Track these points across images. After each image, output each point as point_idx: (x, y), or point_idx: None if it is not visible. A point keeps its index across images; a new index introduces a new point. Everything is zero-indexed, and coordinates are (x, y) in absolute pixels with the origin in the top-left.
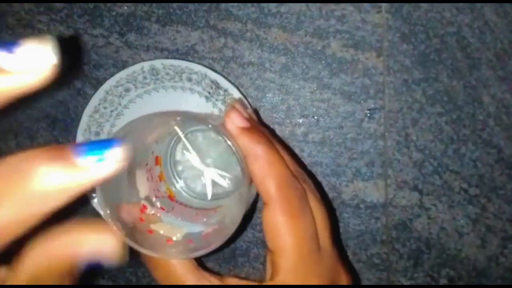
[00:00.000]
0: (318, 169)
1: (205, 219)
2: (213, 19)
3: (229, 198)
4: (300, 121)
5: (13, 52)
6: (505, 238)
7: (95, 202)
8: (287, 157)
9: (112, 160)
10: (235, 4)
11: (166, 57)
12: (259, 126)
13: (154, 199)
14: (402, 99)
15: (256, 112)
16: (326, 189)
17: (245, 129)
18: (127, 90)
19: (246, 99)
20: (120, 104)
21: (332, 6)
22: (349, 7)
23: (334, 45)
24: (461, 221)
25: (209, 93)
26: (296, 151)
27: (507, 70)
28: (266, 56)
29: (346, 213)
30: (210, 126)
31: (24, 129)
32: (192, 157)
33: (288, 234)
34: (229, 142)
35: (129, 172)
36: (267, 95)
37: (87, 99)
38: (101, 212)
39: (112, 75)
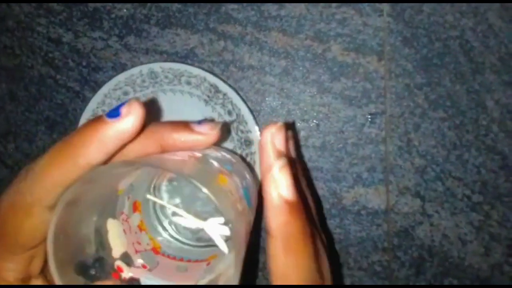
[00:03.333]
0: (318, 174)
1: (196, 277)
2: (213, 22)
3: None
4: (300, 125)
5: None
6: (510, 246)
7: None
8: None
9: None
10: (235, 7)
11: (165, 60)
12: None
13: (134, 255)
14: (404, 103)
15: (292, 126)
16: (326, 194)
17: (289, 204)
18: (126, 93)
19: (246, 103)
20: None
21: (333, 9)
22: (350, 10)
23: (335, 48)
24: (464, 228)
25: (208, 96)
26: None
27: (511, 74)
28: (266, 59)
29: (347, 219)
30: (193, 183)
31: (23, 132)
32: (182, 219)
33: (292, 269)
34: (205, 191)
35: (96, 229)
36: (266, 99)
37: (85, 102)
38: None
39: (111, 78)
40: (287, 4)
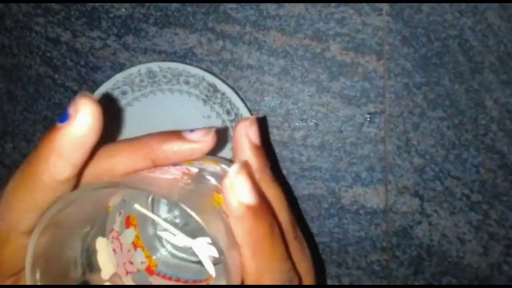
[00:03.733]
0: (317, 173)
1: None
2: (212, 22)
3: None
4: (299, 125)
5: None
6: (508, 246)
7: None
8: (286, 220)
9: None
10: (233, 6)
11: (164, 60)
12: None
13: (124, 276)
14: (403, 103)
15: (262, 120)
16: (325, 194)
17: (251, 209)
18: (124, 92)
19: (244, 102)
20: None
21: (331, 8)
22: (349, 9)
23: (334, 48)
24: (463, 228)
25: (206, 96)
26: (295, 155)
27: (510, 74)
28: (265, 59)
29: (346, 218)
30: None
31: (21, 132)
32: (170, 235)
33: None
34: (196, 218)
35: (84, 249)
36: (265, 98)
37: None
38: None
39: (109, 77)
40: (286, 4)
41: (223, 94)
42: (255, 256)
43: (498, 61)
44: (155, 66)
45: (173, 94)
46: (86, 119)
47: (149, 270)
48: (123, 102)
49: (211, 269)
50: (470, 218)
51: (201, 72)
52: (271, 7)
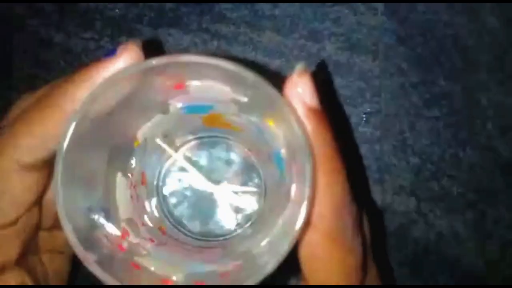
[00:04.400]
0: None
1: (211, 257)
2: (206, 22)
3: (245, 228)
4: None
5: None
6: (505, 245)
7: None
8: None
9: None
10: (228, 6)
11: None
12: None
13: (140, 226)
14: (399, 103)
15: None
16: None
17: (317, 112)
18: None
19: None
20: None
21: (327, 8)
22: (344, 9)
23: (329, 48)
24: (460, 227)
25: None
26: None
27: (506, 72)
28: (260, 59)
29: None
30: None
31: None
32: (191, 176)
33: (336, 271)
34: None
35: (106, 173)
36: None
37: None
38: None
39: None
40: (280, 4)
41: None
42: (321, 165)
43: (493, 60)
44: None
45: None
46: (132, 60)
47: (162, 231)
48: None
49: (231, 225)
50: (466, 217)
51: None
52: (266, 7)
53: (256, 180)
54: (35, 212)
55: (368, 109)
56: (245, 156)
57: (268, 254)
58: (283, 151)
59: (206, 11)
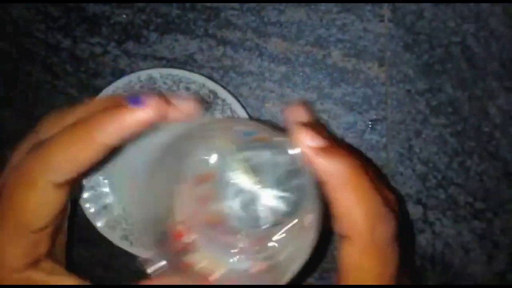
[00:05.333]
0: None
1: (253, 252)
2: (212, 28)
3: (282, 225)
4: None
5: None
6: None
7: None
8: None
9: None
10: (234, 13)
11: (164, 66)
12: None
13: (195, 223)
14: (405, 110)
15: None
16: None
17: (322, 149)
18: None
19: (245, 109)
20: None
21: (333, 15)
22: (350, 16)
23: (335, 54)
24: (467, 236)
25: (207, 103)
26: None
27: None
28: (265, 65)
29: None
30: (276, 145)
31: (20, 138)
32: (244, 178)
33: (373, 281)
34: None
35: (168, 184)
36: (266, 105)
37: None
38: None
39: (109, 84)
40: (287, 10)
41: (223, 100)
42: (339, 189)
43: (501, 68)
44: (155, 72)
45: None
46: (156, 113)
47: (217, 223)
48: None
49: (269, 218)
50: (473, 226)
51: (201, 79)
52: (272, 14)
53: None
54: (61, 216)
55: (374, 116)
56: (290, 168)
57: (291, 262)
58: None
59: (212, 17)
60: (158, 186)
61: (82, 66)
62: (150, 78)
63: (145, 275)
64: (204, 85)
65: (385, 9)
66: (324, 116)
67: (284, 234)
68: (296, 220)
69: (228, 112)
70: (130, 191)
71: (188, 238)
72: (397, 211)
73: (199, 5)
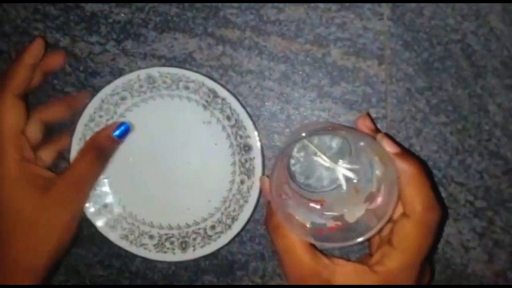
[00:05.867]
0: None
1: (318, 211)
2: (211, 27)
3: (334, 191)
4: None
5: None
6: None
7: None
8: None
9: None
10: (233, 11)
11: (163, 65)
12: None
13: (284, 185)
14: (405, 108)
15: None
16: None
17: (397, 154)
18: (123, 98)
19: (245, 108)
20: (115, 113)
21: (332, 13)
22: (350, 14)
23: (335, 53)
24: (467, 235)
25: (206, 101)
26: None
27: None
28: (265, 64)
29: None
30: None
31: None
32: (322, 160)
33: (417, 246)
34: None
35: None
36: (266, 103)
37: (83, 107)
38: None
39: (108, 83)
40: (286, 8)
41: (223, 99)
42: (408, 183)
43: (501, 66)
44: (154, 71)
45: (173, 99)
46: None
47: (294, 190)
48: (122, 108)
49: (344, 184)
50: (474, 225)
51: (200, 78)
52: (271, 12)
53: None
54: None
55: (374, 115)
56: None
57: (360, 226)
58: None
59: (211, 15)
60: None
61: (81, 65)
62: (149, 77)
63: (144, 276)
64: (203, 84)
65: (385, 7)
66: (324, 115)
67: (331, 198)
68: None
69: (228, 111)
70: (130, 190)
71: (285, 196)
72: (442, 207)
73: (198, 4)
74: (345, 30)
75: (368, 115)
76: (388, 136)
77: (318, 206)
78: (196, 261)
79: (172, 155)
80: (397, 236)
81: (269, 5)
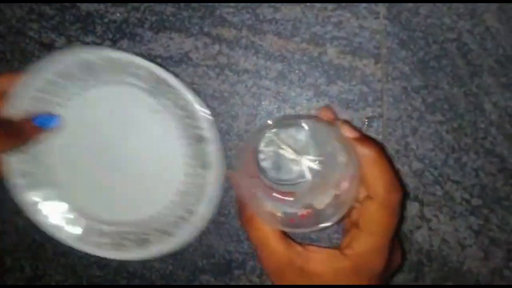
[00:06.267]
0: None
1: (289, 203)
2: (207, 26)
3: (303, 183)
4: None
5: None
6: (510, 251)
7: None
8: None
9: None
10: (230, 10)
11: (160, 65)
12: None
13: (254, 179)
14: (401, 107)
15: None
16: None
17: (357, 139)
18: (64, 87)
19: (196, 97)
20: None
21: (328, 12)
22: (346, 13)
23: (331, 51)
24: (464, 233)
25: (154, 89)
26: None
27: (509, 76)
28: (261, 63)
29: None
30: (306, 128)
31: None
32: (288, 153)
33: (383, 227)
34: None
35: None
36: (262, 102)
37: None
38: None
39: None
40: (282, 7)
41: (170, 86)
42: (369, 166)
43: (496, 64)
44: (92, 56)
45: (119, 87)
46: None
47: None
48: (63, 96)
49: (308, 176)
50: (470, 222)
51: (149, 65)
52: (267, 11)
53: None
54: None
55: (370, 114)
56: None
57: (329, 211)
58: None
59: (207, 15)
60: None
61: None
62: (89, 63)
63: (142, 276)
64: (153, 72)
65: (381, 6)
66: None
67: (301, 189)
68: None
69: (177, 100)
70: (81, 189)
71: (259, 189)
72: (403, 187)
73: (194, 3)
74: (341, 29)
75: (329, 107)
76: (347, 122)
77: (289, 198)
78: (192, 260)
79: (120, 147)
80: (363, 219)
81: (266, 4)
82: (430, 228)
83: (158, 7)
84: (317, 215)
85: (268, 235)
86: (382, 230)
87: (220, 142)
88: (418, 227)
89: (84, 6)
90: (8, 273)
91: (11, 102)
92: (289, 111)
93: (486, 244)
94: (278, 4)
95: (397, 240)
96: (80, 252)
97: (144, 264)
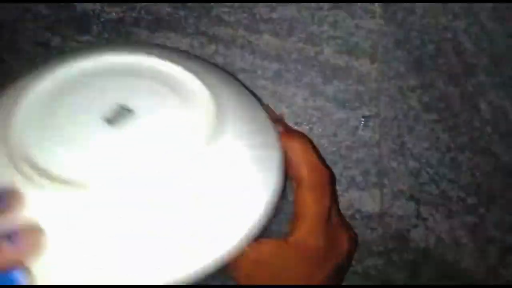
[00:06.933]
0: None
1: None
2: (204, 25)
3: None
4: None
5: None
6: (505, 249)
7: None
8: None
9: None
10: (226, 10)
11: None
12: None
13: None
14: (397, 106)
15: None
16: None
17: (283, 133)
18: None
19: None
20: None
21: (325, 12)
22: (342, 12)
23: (327, 51)
24: (459, 231)
25: None
26: None
27: (504, 76)
28: (258, 62)
29: None
30: None
31: None
32: None
33: (314, 210)
34: None
35: None
36: None
37: None
38: None
39: None
40: (278, 7)
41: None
42: (292, 152)
43: (492, 63)
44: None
45: None
46: None
47: None
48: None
49: None
50: (466, 221)
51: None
52: (264, 11)
53: None
54: None
55: (367, 113)
56: None
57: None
58: None
59: (203, 14)
60: None
61: None
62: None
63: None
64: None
65: (377, 6)
66: (316, 113)
67: None
68: None
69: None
70: None
71: None
72: (329, 169)
73: (190, 3)
74: (338, 28)
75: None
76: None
77: None
78: None
79: None
80: (296, 205)
81: (262, 3)
82: (426, 227)
83: (154, 6)
84: None
85: None
86: (313, 213)
87: None
88: (414, 226)
89: (79, 5)
90: None
91: None
92: (285, 110)
93: (482, 242)
94: (274, 4)
95: (342, 225)
96: None
97: None
